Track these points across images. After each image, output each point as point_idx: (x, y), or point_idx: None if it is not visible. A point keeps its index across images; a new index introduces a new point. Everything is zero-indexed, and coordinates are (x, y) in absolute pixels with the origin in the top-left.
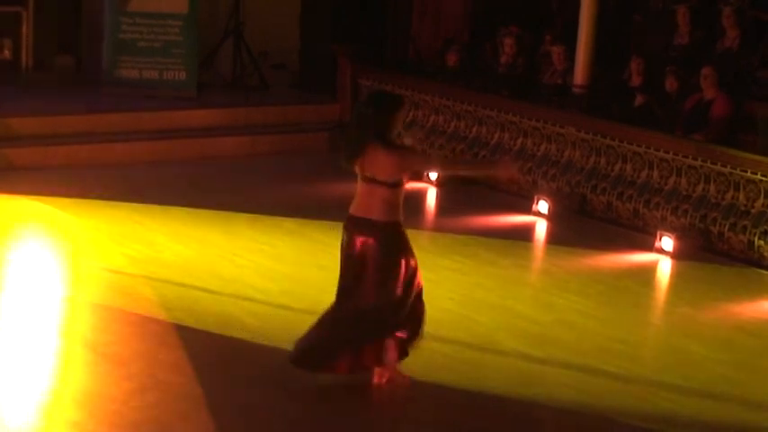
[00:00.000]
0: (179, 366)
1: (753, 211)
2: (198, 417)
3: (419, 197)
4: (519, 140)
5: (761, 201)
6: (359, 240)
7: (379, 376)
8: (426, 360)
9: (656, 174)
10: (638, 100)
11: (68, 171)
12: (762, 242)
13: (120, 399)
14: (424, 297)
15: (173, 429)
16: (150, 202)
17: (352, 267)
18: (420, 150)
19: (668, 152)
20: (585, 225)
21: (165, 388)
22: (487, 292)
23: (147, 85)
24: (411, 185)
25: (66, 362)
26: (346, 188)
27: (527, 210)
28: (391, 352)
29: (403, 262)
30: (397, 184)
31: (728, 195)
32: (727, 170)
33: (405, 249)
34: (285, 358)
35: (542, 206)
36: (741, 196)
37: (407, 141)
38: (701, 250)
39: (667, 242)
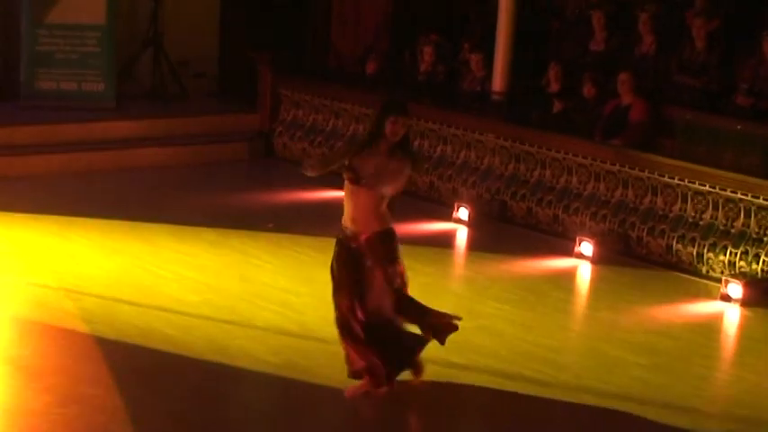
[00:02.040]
0: (100, 379)
1: (670, 215)
2: (119, 429)
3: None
4: (439, 148)
5: (678, 205)
6: None
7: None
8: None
9: (574, 179)
10: (557, 106)
11: None
12: (680, 246)
13: (40, 412)
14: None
15: None
16: (70, 214)
17: None
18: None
19: (586, 158)
20: (506, 231)
21: (85, 401)
22: None
23: (65, 96)
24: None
25: None
26: (266, 198)
27: (447, 217)
28: None
29: None
30: None
31: (646, 200)
32: (644, 175)
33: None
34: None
35: (462, 213)
36: (659, 200)
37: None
38: (620, 255)
39: (587, 247)
